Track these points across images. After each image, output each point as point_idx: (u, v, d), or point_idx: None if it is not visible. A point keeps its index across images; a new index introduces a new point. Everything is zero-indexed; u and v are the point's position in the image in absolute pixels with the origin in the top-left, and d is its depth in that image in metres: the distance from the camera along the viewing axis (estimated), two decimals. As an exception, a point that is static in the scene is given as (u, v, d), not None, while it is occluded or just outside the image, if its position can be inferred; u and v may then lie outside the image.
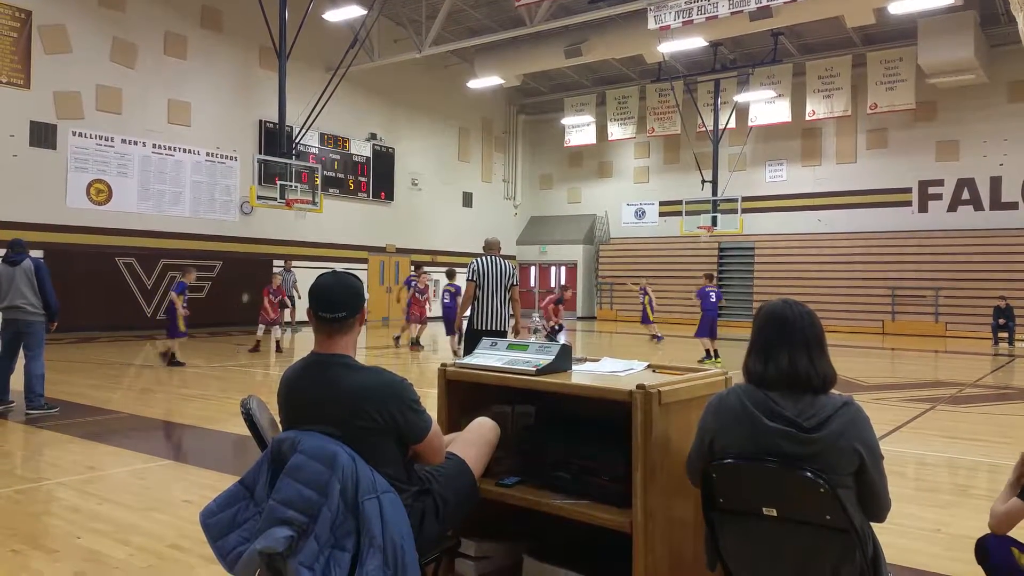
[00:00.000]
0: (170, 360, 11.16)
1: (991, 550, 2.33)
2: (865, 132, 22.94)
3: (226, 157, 19.16)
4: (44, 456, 5.64)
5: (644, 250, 26.74)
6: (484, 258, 7.34)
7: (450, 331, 13.06)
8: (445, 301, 13.87)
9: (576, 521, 2.57)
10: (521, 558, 2.83)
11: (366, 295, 2.55)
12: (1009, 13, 16.19)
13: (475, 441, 2.71)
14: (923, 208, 22.13)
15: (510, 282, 7.32)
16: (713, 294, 14.18)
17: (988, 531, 2.44)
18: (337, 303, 2.35)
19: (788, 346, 2.13)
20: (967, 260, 20.77)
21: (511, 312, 7.40)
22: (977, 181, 21.31)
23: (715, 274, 15.58)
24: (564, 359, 2.87)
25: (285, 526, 2.04)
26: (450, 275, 14.26)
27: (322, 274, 2.43)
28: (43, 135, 15.77)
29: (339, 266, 19.19)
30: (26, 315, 7.12)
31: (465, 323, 7.50)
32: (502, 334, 7.29)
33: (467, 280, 7.31)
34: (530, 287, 29.10)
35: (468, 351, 7.13)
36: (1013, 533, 2.38)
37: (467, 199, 26.99)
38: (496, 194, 28.49)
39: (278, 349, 13.89)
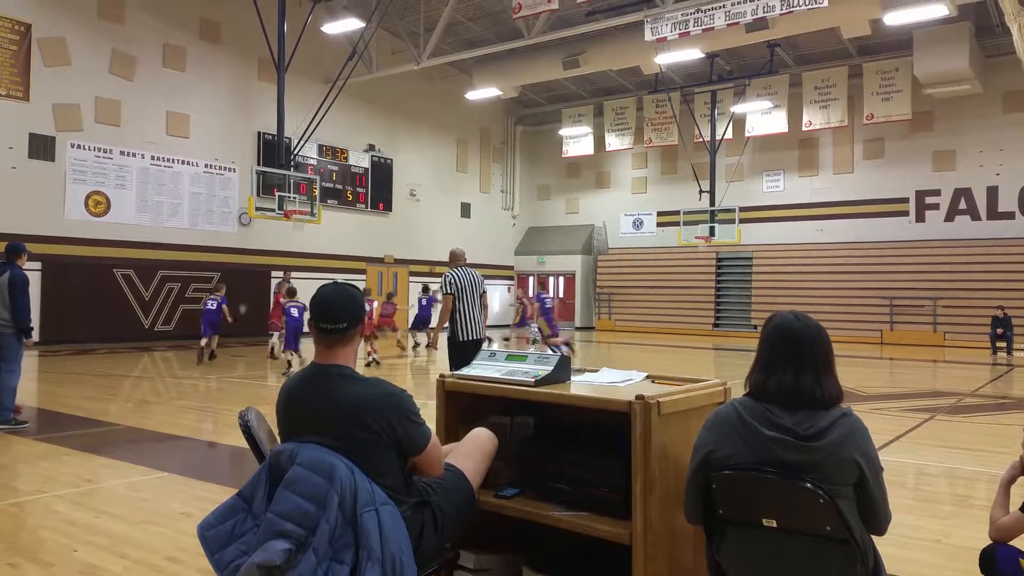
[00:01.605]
0: (210, 355, 13.50)
1: (999, 560, 2.31)
2: (862, 142, 23.03)
3: (225, 169, 19.19)
4: (40, 469, 5.61)
5: (642, 260, 26.77)
6: (457, 270, 7.41)
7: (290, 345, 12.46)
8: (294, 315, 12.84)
9: (575, 532, 2.56)
10: (520, 570, 2.81)
11: (366, 307, 2.55)
12: (1004, 24, 16.28)
13: (473, 452, 2.70)
14: (920, 218, 22.19)
15: (481, 291, 7.46)
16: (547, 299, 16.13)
17: (989, 541, 2.44)
18: (338, 314, 2.35)
19: (794, 362, 2.10)
20: (965, 270, 20.81)
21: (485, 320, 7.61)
22: (974, 191, 21.38)
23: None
24: (563, 370, 2.86)
25: (283, 539, 2.03)
26: (291, 293, 13.22)
27: (323, 285, 2.44)
28: (42, 147, 15.79)
29: (337, 277, 19.21)
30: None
31: (444, 335, 7.54)
32: (481, 343, 7.42)
33: (444, 294, 7.37)
34: (529, 297, 29.10)
35: (454, 362, 7.30)
36: (1017, 543, 2.37)
37: (465, 210, 27.03)
38: (494, 204, 28.55)
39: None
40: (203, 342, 13.42)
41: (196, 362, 13.09)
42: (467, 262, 7.66)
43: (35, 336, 7.44)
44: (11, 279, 7.08)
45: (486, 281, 7.74)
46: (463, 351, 7.27)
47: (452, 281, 7.31)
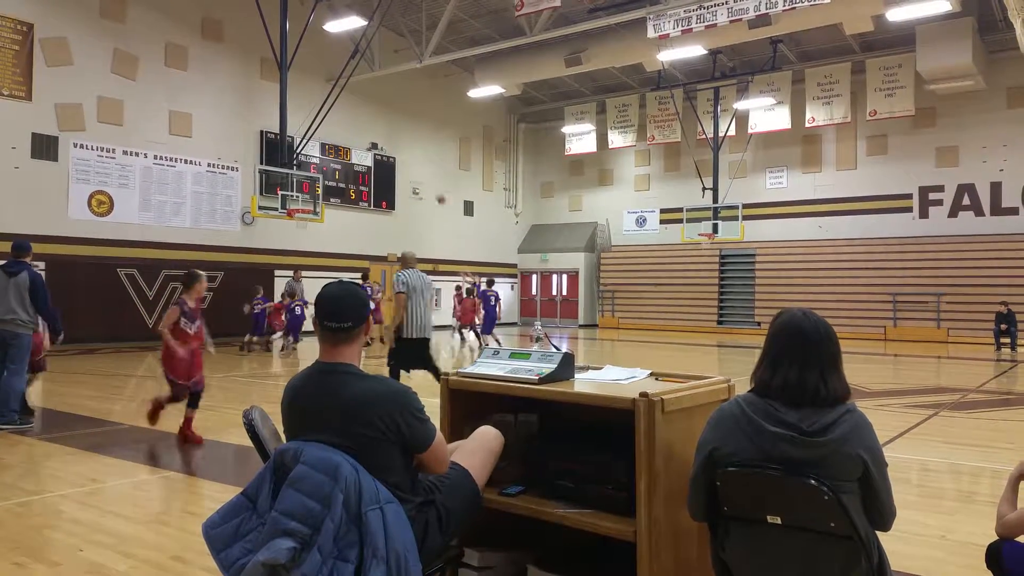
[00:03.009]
0: (249, 347, 15.49)
1: (1006, 558, 2.30)
2: (865, 138, 22.97)
3: (227, 168, 19.20)
4: (46, 468, 5.63)
5: (645, 258, 26.75)
6: (409, 271, 7.90)
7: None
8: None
9: (580, 530, 2.56)
10: (525, 568, 2.82)
11: (371, 305, 2.56)
12: (1007, 19, 16.24)
13: (478, 450, 2.70)
14: (924, 214, 22.14)
15: (432, 294, 7.99)
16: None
17: (995, 537, 2.43)
18: (343, 313, 2.36)
19: (800, 359, 2.10)
20: (968, 266, 20.77)
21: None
22: (977, 187, 21.32)
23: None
24: (567, 367, 2.86)
25: (288, 537, 2.03)
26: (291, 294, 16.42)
27: (328, 284, 2.45)
28: (45, 147, 15.82)
29: (341, 276, 19.23)
30: (14, 327, 7.03)
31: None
32: (427, 341, 7.99)
33: (397, 292, 7.84)
34: (532, 295, 29.10)
35: (397, 357, 7.91)
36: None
37: (468, 208, 27.02)
38: (497, 202, 28.53)
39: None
40: (255, 338, 15.79)
41: (240, 352, 15.30)
42: (415, 265, 8.22)
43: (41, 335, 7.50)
44: (32, 279, 7.12)
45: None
46: (406, 348, 7.85)
47: (405, 281, 7.83)
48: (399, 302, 7.80)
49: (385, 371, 8.00)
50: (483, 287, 18.33)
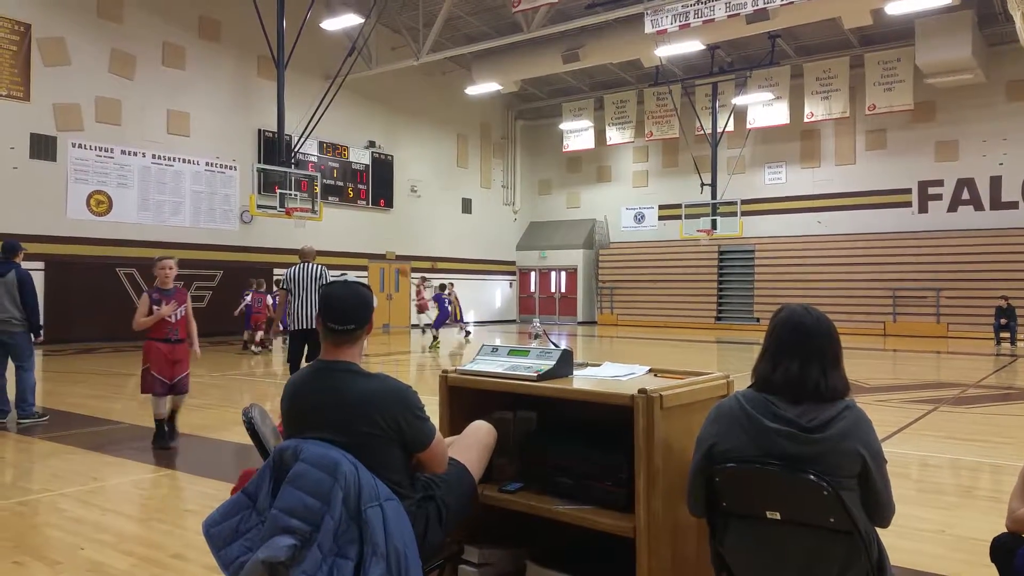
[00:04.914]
0: (246, 345, 15.21)
1: (1019, 558, 2.28)
2: (864, 133, 22.95)
3: (225, 167, 19.19)
4: (46, 467, 5.63)
5: (644, 254, 26.74)
6: (295, 267, 8.26)
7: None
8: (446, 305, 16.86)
9: (579, 526, 2.57)
10: (524, 564, 2.82)
11: (374, 304, 2.56)
12: (1007, 12, 16.22)
13: (473, 445, 2.71)
14: (923, 208, 22.13)
15: (321, 283, 8.22)
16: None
17: (996, 532, 2.42)
18: (348, 316, 2.37)
19: (802, 354, 2.10)
20: (968, 260, 20.76)
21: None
22: (977, 181, 21.31)
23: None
24: (565, 364, 2.86)
25: (288, 535, 2.04)
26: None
27: (332, 282, 2.44)
28: (43, 147, 15.80)
29: (346, 275, 19.22)
30: (9, 327, 7.11)
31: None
32: (314, 332, 8.18)
33: (280, 288, 8.35)
34: (530, 292, 29.10)
35: (291, 349, 8.38)
36: None
37: (466, 205, 27.00)
38: (495, 200, 28.51)
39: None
40: (245, 335, 15.40)
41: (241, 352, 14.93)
42: (313, 259, 8.48)
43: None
44: (20, 278, 7.19)
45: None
46: (295, 339, 8.31)
47: (288, 277, 8.26)
48: (281, 298, 8.53)
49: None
50: (438, 292, 18.45)
